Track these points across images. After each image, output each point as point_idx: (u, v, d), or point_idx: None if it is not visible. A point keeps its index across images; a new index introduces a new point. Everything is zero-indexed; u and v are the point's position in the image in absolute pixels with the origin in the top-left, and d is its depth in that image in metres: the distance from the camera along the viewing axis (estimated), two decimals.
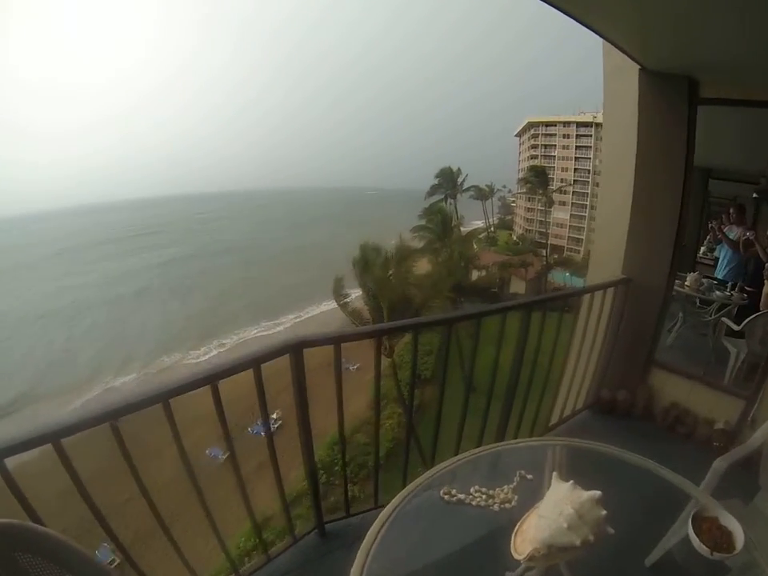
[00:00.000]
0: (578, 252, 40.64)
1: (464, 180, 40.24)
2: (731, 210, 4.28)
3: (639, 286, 3.03)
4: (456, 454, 1.39)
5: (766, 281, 3.68)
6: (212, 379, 1.51)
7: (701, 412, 3.01)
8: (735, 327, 3.64)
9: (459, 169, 39.67)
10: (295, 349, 1.71)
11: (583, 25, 2.11)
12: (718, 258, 4.47)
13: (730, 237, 4.26)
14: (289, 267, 43.52)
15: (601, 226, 3.67)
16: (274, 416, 16.59)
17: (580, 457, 1.44)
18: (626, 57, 2.58)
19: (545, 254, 38.26)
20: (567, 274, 35.56)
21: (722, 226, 4.35)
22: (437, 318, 2.37)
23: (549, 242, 40.41)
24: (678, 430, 2.99)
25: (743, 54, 2.14)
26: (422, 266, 26.33)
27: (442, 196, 38.25)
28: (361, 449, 15.33)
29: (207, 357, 27.88)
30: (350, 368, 18.41)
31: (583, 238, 41.55)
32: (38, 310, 33.77)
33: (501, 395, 2.52)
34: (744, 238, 4.04)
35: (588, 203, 40.96)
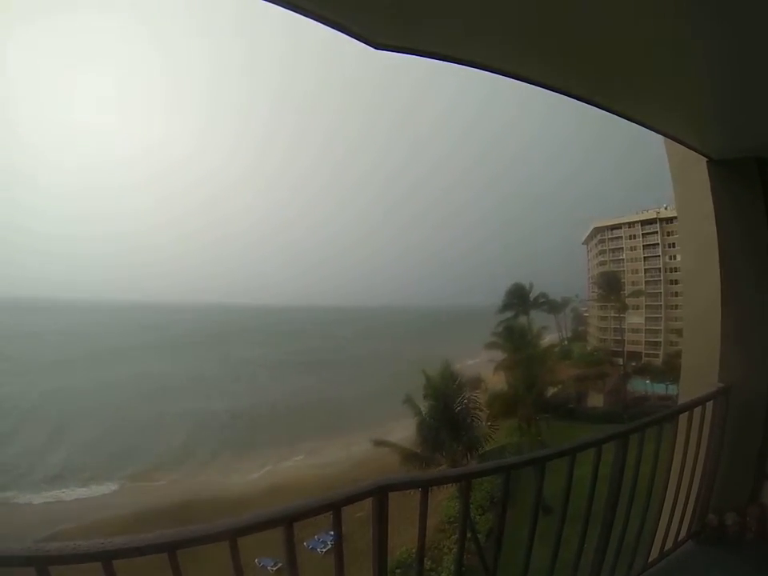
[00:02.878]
0: (657, 356, 37.48)
1: (537, 295, 39.67)
2: None
3: (741, 392, 2.71)
4: None
5: None
6: (286, 521, 1.44)
7: None
8: None
9: (531, 284, 39.38)
10: (379, 493, 1.59)
11: (644, 126, 2.22)
12: None
13: None
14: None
15: (690, 330, 3.35)
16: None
17: None
18: (689, 151, 2.61)
19: (621, 363, 35.68)
20: (648, 382, 32.71)
21: None
22: (527, 459, 2.22)
23: (625, 350, 37.82)
24: None
25: None
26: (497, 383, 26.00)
27: (513, 312, 37.21)
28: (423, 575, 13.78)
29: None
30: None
31: (661, 340, 38.71)
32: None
33: (580, 520, 2.25)
34: None
35: (662, 303, 38.86)
